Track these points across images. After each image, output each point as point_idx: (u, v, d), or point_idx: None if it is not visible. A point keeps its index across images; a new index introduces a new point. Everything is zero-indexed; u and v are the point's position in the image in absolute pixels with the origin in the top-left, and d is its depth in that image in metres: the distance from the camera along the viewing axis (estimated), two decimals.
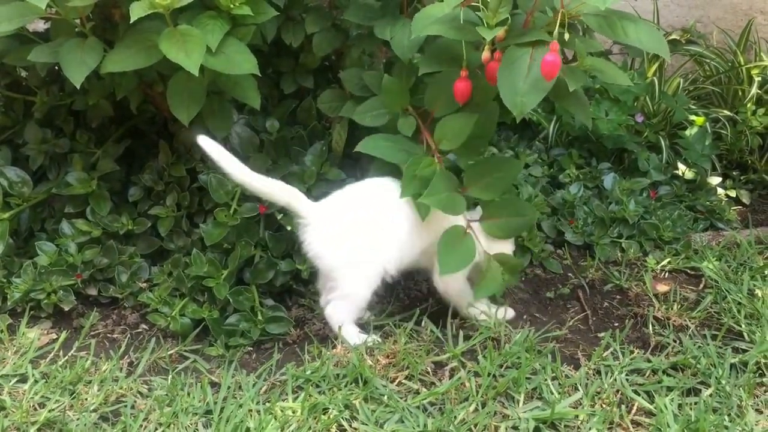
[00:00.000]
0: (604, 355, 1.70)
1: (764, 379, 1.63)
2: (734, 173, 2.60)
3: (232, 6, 1.63)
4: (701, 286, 2.01)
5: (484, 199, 1.75)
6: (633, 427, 1.50)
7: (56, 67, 1.95)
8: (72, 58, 1.60)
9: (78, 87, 1.59)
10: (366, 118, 1.82)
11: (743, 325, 1.80)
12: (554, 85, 1.49)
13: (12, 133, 2.08)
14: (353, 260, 1.68)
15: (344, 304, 1.70)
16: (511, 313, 1.84)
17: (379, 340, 1.70)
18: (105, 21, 1.74)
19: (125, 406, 1.55)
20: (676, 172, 2.45)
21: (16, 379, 1.63)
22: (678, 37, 2.75)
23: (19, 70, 2.09)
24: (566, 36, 1.46)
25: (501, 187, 1.75)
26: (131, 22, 1.49)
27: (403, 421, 1.50)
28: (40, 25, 1.92)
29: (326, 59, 2.13)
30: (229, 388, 1.60)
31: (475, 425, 1.48)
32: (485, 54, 1.56)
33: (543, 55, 1.45)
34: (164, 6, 1.53)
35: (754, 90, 2.63)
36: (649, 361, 1.68)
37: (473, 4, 1.52)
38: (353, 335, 1.70)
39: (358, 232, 1.68)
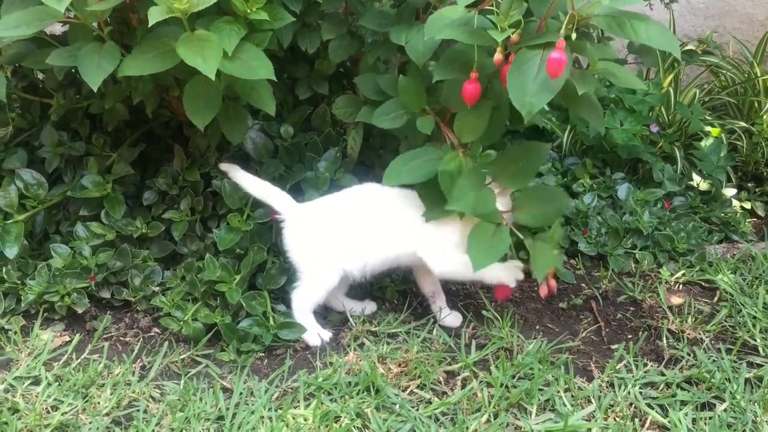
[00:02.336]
0: (618, 367, 1.69)
1: None
2: (749, 185, 2.59)
3: (248, 11, 1.63)
4: (716, 299, 1.99)
5: (513, 189, 1.74)
6: None
7: (73, 71, 1.96)
8: (89, 62, 1.61)
9: (95, 91, 1.60)
10: (384, 122, 1.81)
11: (758, 340, 1.78)
12: (566, 88, 1.48)
13: (28, 135, 2.10)
14: (315, 259, 1.79)
15: (304, 294, 1.80)
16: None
17: (330, 334, 1.81)
18: (122, 25, 1.75)
19: (138, 410, 1.56)
20: (691, 183, 2.44)
21: (29, 382, 1.64)
22: (694, 48, 2.73)
23: (37, 73, 2.10)
24: (573, 36, 1.44)
25: (528, 174, 1.73)
26: (149, 26, 1.50)
27: (414, 431, 1.50)
28: (58, 28, 1.92)
29: (341, 65, 2.13)
30: (241, 394, 1.60)
31: None
32: (498, 55, 1.54)
33: None
34: (182, 10, 1.53)
35: None
36: (663, 374, 1.67)
37: (487, 7, 1.52)
38: (309, 323, 1.81)
39: (324, 235, 1.79)
